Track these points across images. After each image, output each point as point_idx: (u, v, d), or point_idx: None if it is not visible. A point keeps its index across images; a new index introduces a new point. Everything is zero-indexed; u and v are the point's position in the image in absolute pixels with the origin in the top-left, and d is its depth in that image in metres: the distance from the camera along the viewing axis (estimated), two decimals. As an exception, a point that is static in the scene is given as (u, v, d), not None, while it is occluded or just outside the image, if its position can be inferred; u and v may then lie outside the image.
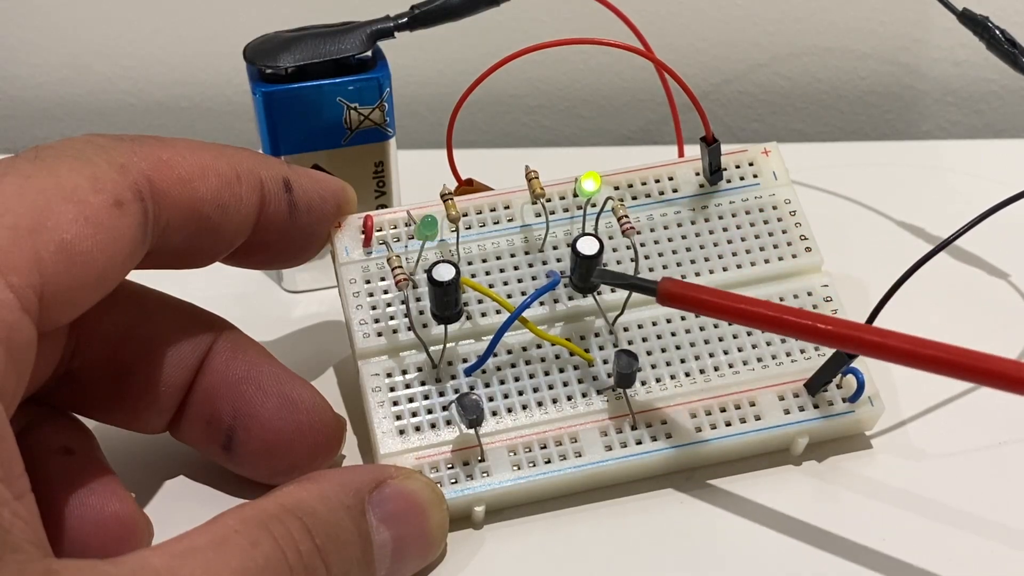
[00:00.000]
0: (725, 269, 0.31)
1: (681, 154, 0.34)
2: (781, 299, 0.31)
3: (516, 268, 0.31)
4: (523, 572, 0.28)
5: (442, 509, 0.27)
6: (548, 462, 0.29)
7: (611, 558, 0.28)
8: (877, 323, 0.29)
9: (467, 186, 0.33)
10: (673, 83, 0.32)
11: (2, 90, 0.49)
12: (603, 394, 0.30)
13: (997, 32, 0.35)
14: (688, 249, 0.31)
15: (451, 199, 0.30)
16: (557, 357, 0.30)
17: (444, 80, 0.48)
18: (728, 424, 0.29)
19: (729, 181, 0.32)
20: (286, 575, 0.22)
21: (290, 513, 0.23)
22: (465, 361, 0.30)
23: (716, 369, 0.30)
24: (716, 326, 0.31)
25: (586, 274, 0.30)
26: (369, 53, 0.33)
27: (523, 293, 0.31)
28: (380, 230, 0.31)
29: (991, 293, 0.36)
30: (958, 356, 0.24)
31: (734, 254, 0.32)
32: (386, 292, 0.30)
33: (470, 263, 0.31)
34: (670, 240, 0.32)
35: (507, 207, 0.31)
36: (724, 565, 0.28)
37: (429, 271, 0.28)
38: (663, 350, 0.30)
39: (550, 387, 0.30)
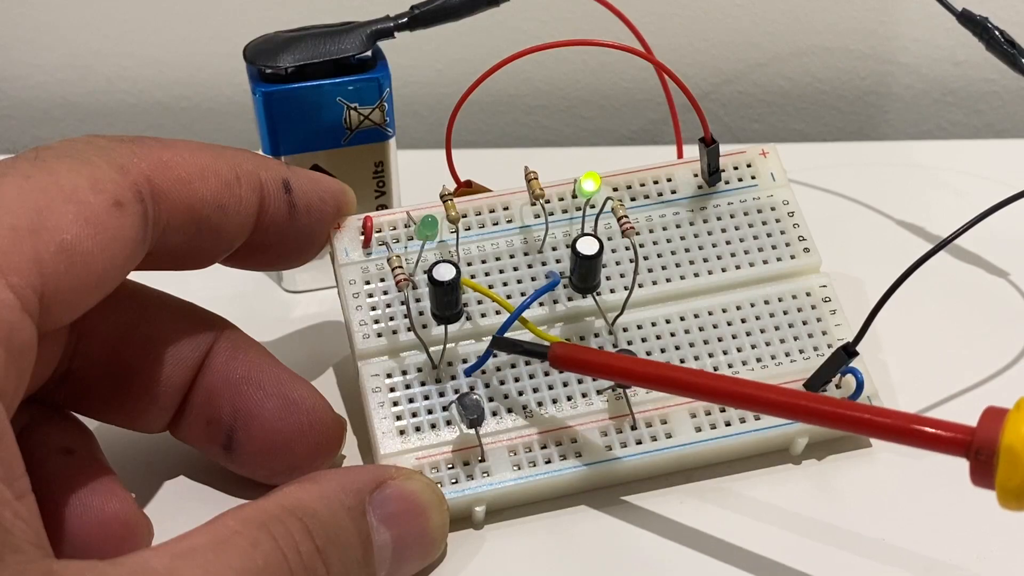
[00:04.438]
0: (724, 270, 0.31)
1: (680, 155, 0.34)
2: (780, 300, 0.31)
3: (516, 269, 0.31)
4: (523, 572, 0.28)
5: (443, 509, 0.27)
6: (548, 462, 0.29)
7: (611, 558, 0.28)
8: (876, 323, 0.29)
9: (466, 188, 0.33)
10: (672, 84, 0.32)
11: (2, 90, 0.49)
12: (603, 394, 0.30)
13: (996, 33, 0.35)
14: (687, 250, 0.31)
15: (451, 200, 0.30)
16: (557, 357, 0.30)
17: (444, 80, 0.48)
18: (728, 424, 0.29)
19: (727, 182, 0.32)
20: (286, 576, 0.22)
21: (290, 514, 0.23)
22: (465, 361, 0.30)
23: (716, 369, 0.30)
24: (716, 326, 0.31)
25: (586, 274, 0.30)
26: (369, 53, 0.33)
27: (523, 294, 0.31)
28: (379, 231, 0.31)
29: (991, 292, 0.36)
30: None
31: (732, 255, 0.32)
32: (386, 293, 0.30)
33: (470, 264, 0.31)
34: (669, 241, 0.32)
35: (506, 208, 0.31)
36: (724, 565, 0.28)
37: (429, 271, 0.29)
38: (663, 350, 0.30)
39: (550, 387, 0.30)
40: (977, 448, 0.22)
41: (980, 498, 0.29)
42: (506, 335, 0.29)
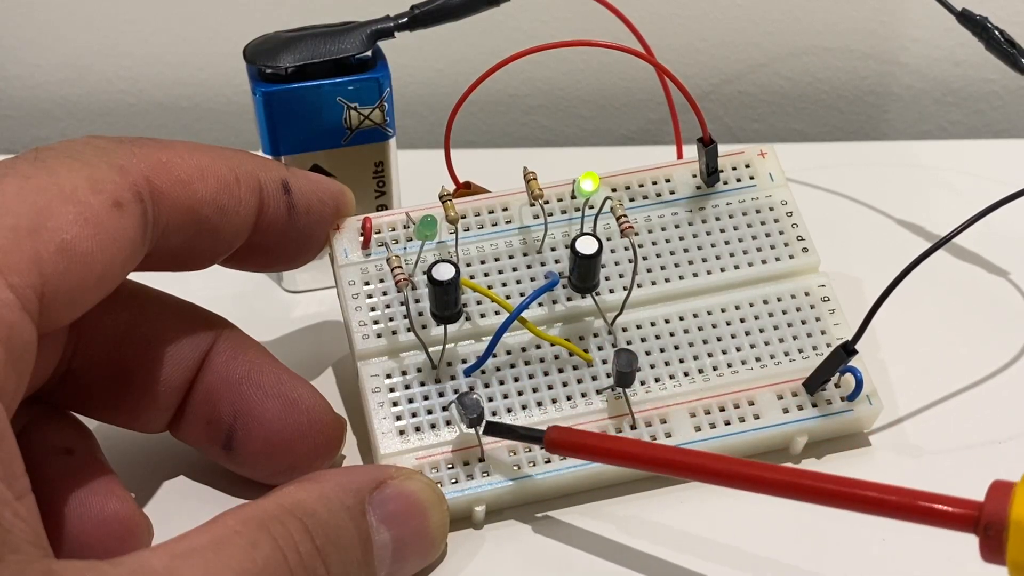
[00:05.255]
0: (723, 270, 0.31)
1: (680, 155, 0.34)
2: (779, 299, 0.31)
3: (515, 269, 0.31)
4: (523, 572, 0.28)
5: (442, 509, 0.27)
6: (548, 462, 0.29)
7: (611, 558, 0.28)
8: (875, 322, 0.29)
9: (465, 189, 0.33)
10: (672, 84, 0.32)
11: (2, 90, 0.49)
12: (603, 394, 0.30)
13: (996, 33, 0.35)
14: (686, 251, 0.32)
15: (450, 200, 0.30)
16: (556, 357, 0.30)
17: (444, 80, 0.48)
18: (727, 423, 0.30)
19: (726, 183, 0.33)
20: (286, 576, 0.22)
21: (290, 514, 0.23)
22: (465, 362, 0.30)
23: (715, 369, 0.30)
24: (715, 326, 0.31)
25: (585, 274, 0.30)
26: (369, 53, 0.33)
27: (522, 294, 0.31)
28: (379, 232, 0.31)
29: (990, 292, 0.36)
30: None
31: (731, 255, 0.32)
32: (385, 293, 0.30)
33: (469, 264, 0.31)
34: (668, 242, 0.32)
35: (505, 209, 0.32)
36: (724, 565, 0.28)
37: (429, 271, 0.29)
38: (662, 350, 0.30)
39: (550, 387, 0.30)
40: (985, 524, 0.22)
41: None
42: (500, 421, 0.29)
